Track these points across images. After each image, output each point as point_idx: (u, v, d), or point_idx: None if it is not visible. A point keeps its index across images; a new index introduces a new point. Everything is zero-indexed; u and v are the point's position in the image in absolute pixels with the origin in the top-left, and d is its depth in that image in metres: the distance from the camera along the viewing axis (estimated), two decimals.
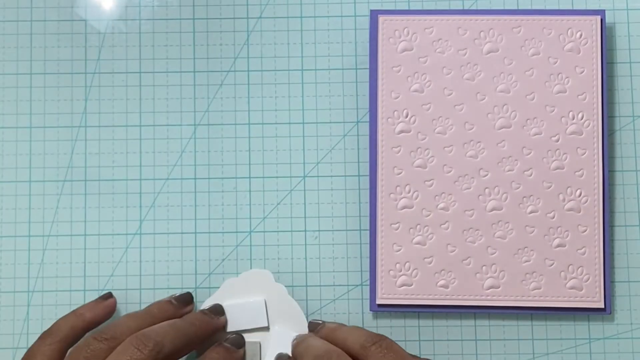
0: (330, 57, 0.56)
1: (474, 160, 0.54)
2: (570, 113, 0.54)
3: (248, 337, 0.52)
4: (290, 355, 0.50)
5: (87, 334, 0.49)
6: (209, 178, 0.55)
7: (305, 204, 0.55)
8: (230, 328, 0.52)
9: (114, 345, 0.46)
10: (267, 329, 0.52)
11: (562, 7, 0.56)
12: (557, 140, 0.53)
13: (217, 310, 0.52)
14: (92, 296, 0.54)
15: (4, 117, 0.56)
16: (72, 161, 0.55)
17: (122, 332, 0.47)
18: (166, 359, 0.46)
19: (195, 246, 0.54)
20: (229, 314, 0.52)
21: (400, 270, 0.53)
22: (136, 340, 0.45)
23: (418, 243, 0.53)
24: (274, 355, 0.51)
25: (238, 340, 0.51)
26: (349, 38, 0.56)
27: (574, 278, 0.53)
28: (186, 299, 0.52)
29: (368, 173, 0.54)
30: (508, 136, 0.54)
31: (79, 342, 0.48)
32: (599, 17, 0.54)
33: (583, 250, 0.53)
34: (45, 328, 0.54)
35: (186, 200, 0.55)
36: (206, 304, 0.53)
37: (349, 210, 0.55)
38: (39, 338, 0.48)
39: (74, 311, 0.50)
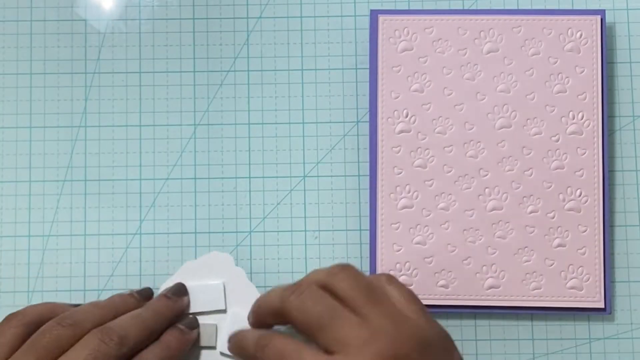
0: (330, 57, 0.56)
1: (474, 160, 0.54)
2: (570, 113, 0.54)
3: (205, 319, 0.52)
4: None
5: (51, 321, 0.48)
6: (209, 178, 0.55)
7: (305, 204, 0.55)
8: (187, 310, 0.52)
9: (78, 332, 0.45)
10: (224, 311, 0.52)
11: (562, 7, 0.56)
12: (557, 140, 0.53)
13: (180, 291, 0.51)
14: (92, 296, 0.54)
15: (4, 117, 0.56)
16: (72, 161, 0.55)
17: (86, 320, 0.46)
18: (130, 351, 0.46)
19: (196, 246, 0.54)
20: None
21: (400, 270, 0.53)
22: (101, 334, 0.45)
23: (418, 243, 0.53)
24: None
25: (192, 322, 0.50)
26: (349, 38, 0.56)
27: (574, 278, 0.53)
28: (147, 294, 0.51)
29: (368, 173, 0.54)
30: (508, 136, 0.54)
31: (41, 327, 0.46)
32: (599, 17, 0.54)
33: (583, 250, 0.53)
34: None
35: (186, 200, 0.55)
36: (165, 285, 0.52)
37: (349, 210, 0.55)
38: (4, 319, 0.47)
39: (46, 304, 0.49)
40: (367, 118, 0.55)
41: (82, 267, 0.54)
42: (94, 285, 0.54)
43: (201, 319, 0.52)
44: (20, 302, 0.54)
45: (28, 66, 0.56)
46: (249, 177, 0.55)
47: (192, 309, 0.52)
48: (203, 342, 0.51)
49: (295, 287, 0.44)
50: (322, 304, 0.43)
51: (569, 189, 0.53)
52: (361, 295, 0.43)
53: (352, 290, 0.43)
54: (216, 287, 0.52)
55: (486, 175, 0.53)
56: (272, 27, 0.56)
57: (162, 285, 0.52)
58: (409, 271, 0.53)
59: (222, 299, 0.52)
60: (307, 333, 0.43)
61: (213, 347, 0.51)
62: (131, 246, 0.54)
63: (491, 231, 0.53)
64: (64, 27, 0.56)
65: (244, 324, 0.51)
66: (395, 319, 0.43)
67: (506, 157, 0.53)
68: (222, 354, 0.51)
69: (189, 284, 0.52)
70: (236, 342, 0.47)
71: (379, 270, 0.53)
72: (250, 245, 0.54)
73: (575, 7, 0.56)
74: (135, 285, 0.54)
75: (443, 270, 0.53)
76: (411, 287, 0.53)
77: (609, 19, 0.56)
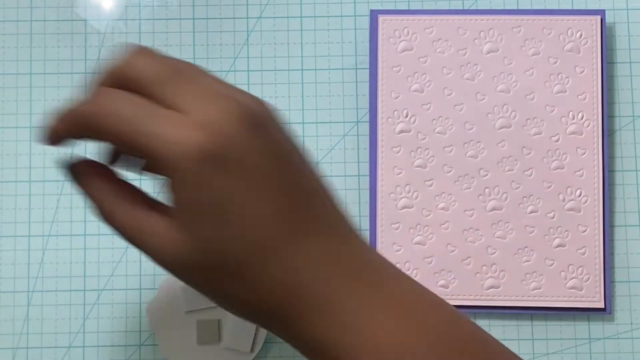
0: (330, 57, 0.56)
1: (474, 160, 0.54)
2: (570, 113, 0.54)
3: (206, 316, 0.52)
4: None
5: None
6: None
7: None
8: (188, 308, 0.52)
9: None
10: None
11: (562, 7, 0.56)
12: (557, 140, 0.53)
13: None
14: (92, 296, 0.54)
15: (4, 117, 0.56)
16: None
17: None
18: None
19: None
20: (187, 294, 0.52)
21: None
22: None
23: (418, 243, 0.53)
24: (233, 331, 0.51)
25: None
26: (349, 38, 0.56)
27: (574, 278, 0.53)
28: None
29: (368, 173, 0.54)
30: (508, 136, 0.54)
31: None
32: (599, 17, 0.54)
33: (583, 250, 0.53)
34: (46, 328, 0.54)
35: None
36: (163, 285, 0.52)
37: (349, 210, 0.54)
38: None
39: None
40: (367, 118, 0.55)
41: (82, 267, 0.54)
42: (94, 285, 0.54)
43: (202, 316, 0.52)
44: (20, 302, 0.54)
45: (28, 66, 0.56)
46: None
47: (192, 307, 0.52)
48: (205, 339, 0.51)
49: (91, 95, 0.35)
50: (128, 103, 0.34)
51: (569, 189, 0.53)
52: (170, 78, 0.34)
53: (157, 74, 0.34)
54: None
55: (486, 175, 0.53)
56: (272, 27, 0.56)
57: (160, 285, 0.52)
58: (409, 271, 0.53)
59: None
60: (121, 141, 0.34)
61: (216, 343, 0.52)
62: (131, 246, 0.54)
63: (491, 231, 0.53)
64: (64, 27, 0.56)
65: None
66: (214, 97, 0.34)
67: (506, 157, 0.53)
68: (226, 348, 0.52)
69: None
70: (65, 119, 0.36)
71: None
72: None
73: (575, 7, 0.56)
74: (135, 285, 0.54)
75: (443, 270, 0.53)
76: None
77: (609, 19, 0.56)
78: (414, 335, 0.34)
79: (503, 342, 0.54)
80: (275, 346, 0.53)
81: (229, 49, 0.56)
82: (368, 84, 0.55)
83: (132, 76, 0.35)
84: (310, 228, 0.35)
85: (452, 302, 0.53)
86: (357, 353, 0.34)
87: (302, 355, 0.36)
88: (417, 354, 0.34)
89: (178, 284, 0.52)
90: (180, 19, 0.56)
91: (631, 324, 0.54)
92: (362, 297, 0.34)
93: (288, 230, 0.34)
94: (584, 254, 0.53)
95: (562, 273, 0.53)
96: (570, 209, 0.53)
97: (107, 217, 0.36)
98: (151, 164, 0.34)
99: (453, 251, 0.53)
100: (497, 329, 0.54)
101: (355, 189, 0.55)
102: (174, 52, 0.56)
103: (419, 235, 0.53)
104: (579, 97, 0.54)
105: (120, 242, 0.54)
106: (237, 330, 0.51)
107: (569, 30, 0.54)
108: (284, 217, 0.34)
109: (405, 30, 0.55)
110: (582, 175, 0.53)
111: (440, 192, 0.53)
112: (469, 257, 0.53)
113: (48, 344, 0.53)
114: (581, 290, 0.52)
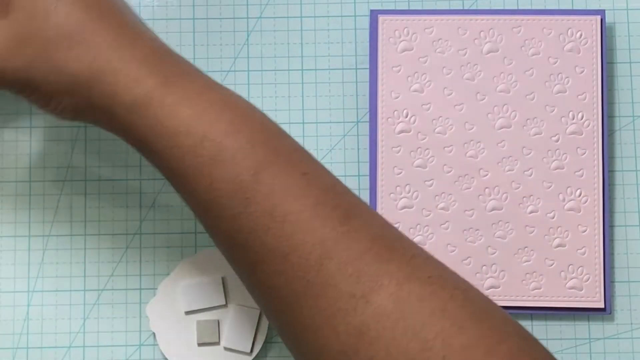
0: (330, 57, 0.56)
1: (474, 160, 0.54)
2: (570, 113, 0.54)
3: (206, 316, 0.52)
4: None
5: None
6: None
7: None
8: (188, 308, 0.52)
9: None
10: (225, 306, 0.52)
11: (562, 7, 0.56)
12: (557, 140, 0.53)
13: None
14: (92, 296, 0.54)
15: (4, 117, 0.55)
16: (72, 161, 0.55)
17: None
18: None
19: (195, 246, 0.54)
20: (187, 294, 0.52)
21: None
22: None
23: (418, 243, 0.53)
24: (233, 332, 0.51)
25: None
26: (349, 38, 0.56)
27: (574, 278, 0.53)
28: None
29: (368, 173, 0.54)
30: (508, 136, 0.54)
31: None
32: (599, 17, 0.54)
33: (583, 250, 0.53)
34: (46, 328, 0.54)
35: None
36: (163, 285, 0.53)
37: None
38: None
39: None
40: (367, 118, 0.55)
41: (82, 267, 0.54)
42: (94, 285, 0.54)
43: (202, 316, 0.52)
44: (20, 302, 0.54)
45: None
46: None
47: (192, 307, 0.52)
48: (205, 339, 0.51)
49: None
50: None
51: (569, 189, 0.53)
52: None
53: None
54: (214, 282, 0.52)
55: (486, 175, 0.53)
56: (272, 27, 0.56)
57: (160, 285, 0.52)
58: None
59: (222, 293, 0.52)
60: None
61: (216, 343, 0.52)
62: (131, 246, 0.54)
63: (491, 231, 0.53)
64: None
65: (247, 317, 0.51)
66: None
67: (506, 157, 0.53)
68: (225, 348, 0.52)
69: (187, 282, 0.52)
70: None
71: None
72: None
73: (575, 7, 0.56)
74: (135, 285, 0.54)
75: None
76: None
77: (609, 19, 0.56)
78: (224, 120, 0.41)
79: None
80: (275, 346, 0.53)
81: (229, 49, 0.56)
82: (368, 84, 0.55)
83: None
84: (114, 21, 0.43)
85: None
86: (170, 135, 0.40)
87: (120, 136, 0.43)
88: (229, 132, 0.40)
89: (178, 284, 0.52)
90: (180, 19, 0.56)
91: (631, 324, 0.54)
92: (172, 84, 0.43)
93: (94, 18, 0.42)
94: (584, 254, 0.53)
95: (562, 273, 0.53)
96: (570, 209, 0.53)
97: None
98: None
99: (453, 251, 0.53)
100: None
101: (355, 189, 0.55)
102: None
103: (419, 235, 0.53)
104: (579, 97, 0.54)
105: (120, 242, 0.54)
106: (237, 330, 0.51)
107: (569, 30, 0.54)
108: (89, 9, 0.43)
109: (405, 30, 0.55)
110: (582, 175, 0.53)
111: (440, 192, 0.53)
112: (469, 257, 0.53)
113: (48, 344, 0.53)
114: (581, 290, 0.52)
